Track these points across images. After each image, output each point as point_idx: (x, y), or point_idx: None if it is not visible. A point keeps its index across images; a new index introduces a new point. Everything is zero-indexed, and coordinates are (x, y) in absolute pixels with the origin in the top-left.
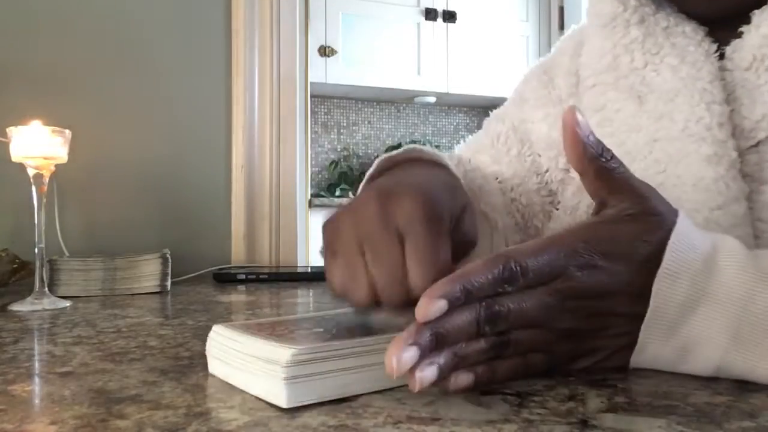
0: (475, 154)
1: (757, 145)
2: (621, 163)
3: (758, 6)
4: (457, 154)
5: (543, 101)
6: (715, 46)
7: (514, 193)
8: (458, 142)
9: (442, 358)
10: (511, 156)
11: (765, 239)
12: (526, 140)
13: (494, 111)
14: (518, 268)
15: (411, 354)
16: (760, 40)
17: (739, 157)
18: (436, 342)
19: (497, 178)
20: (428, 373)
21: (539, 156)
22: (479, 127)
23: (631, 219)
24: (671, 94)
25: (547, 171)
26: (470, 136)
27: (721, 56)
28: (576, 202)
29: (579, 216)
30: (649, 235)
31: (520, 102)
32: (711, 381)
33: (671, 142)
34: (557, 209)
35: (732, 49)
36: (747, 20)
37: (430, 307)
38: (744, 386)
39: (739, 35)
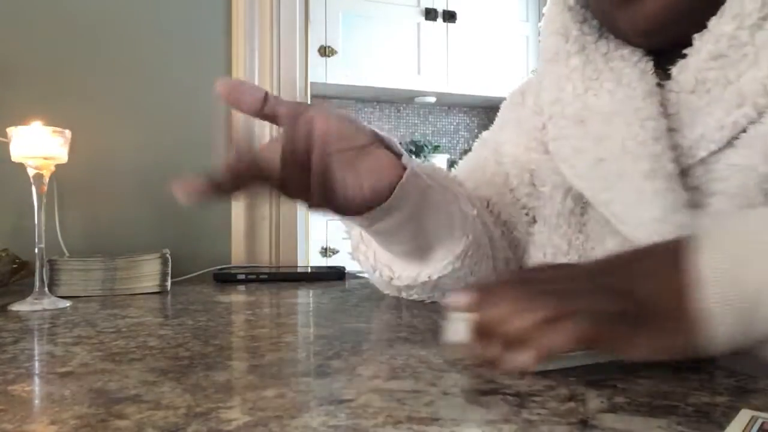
0: (467, 180)
1: (703, 160)
2: None
3: (697, 29)
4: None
5: (513, 123)
6: (651, 65)
7: (494, 208)
8: (458, 142)
9: None
10: (488, 177)
11: None
12: (501, 162)
13: (483, 133)
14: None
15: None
16: (701, 64)
17: (687, 170)
18: None
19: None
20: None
21: (508, 174)
22: (479, 127)
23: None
24: (609, 115)
25: (516, 187)
26: (465, 157)
27: (668, 76)
28: (548, 213)
29: (555, 225)
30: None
31: (501, 125)
32: (711, 381)
33: (614, 161)
34: (535, 221)
35: (677, 70)
36: (689, 42)
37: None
38: (744, 386)
39: (684, 56)
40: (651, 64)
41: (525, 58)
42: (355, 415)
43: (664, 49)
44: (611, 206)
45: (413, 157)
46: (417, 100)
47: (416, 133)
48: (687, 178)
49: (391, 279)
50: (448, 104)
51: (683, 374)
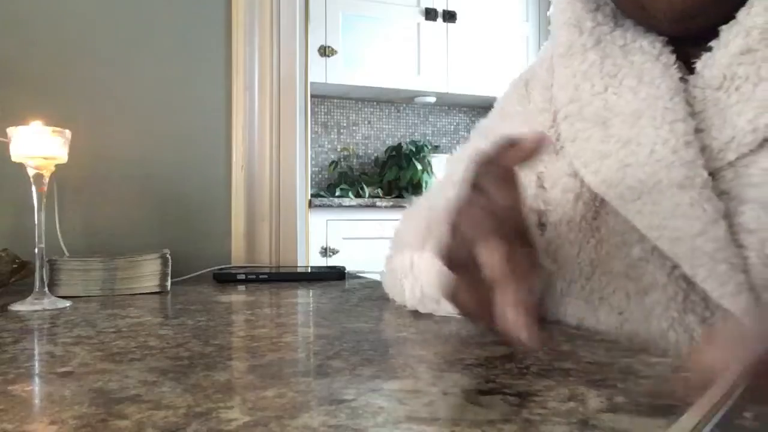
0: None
1: (732, 163)
2: None
3: (724, 20)
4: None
5: (520, 118)
6: (674, 58)
7: None
8: (458, 142)
9: None
10: None
11: (749, 268)
12: None
13: (480, 123)
14: None
15: None
16: (729, 59)
17: (715, 173)
18: None
19: None
20: None
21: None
22: None
23: None
24: (634, 116)
25: (523, 188)
26: (458, 148)
27: (689, 67)
28: (557, 219)
29: (566, 230)
30: None
31: (503, 117)
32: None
33: (641, 168)
34: (542, 224)
35: (702, 64)
36: (713, 34)
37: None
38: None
39: (708, 49)
40: (673, 57)
41: (525, 58)
42: (355, 415)
43: (685, 41)
44: (643, 217)
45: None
46: (417, 100)
47: (416, 133)
48: (715, 182)
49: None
50: (448, 104)
51: (683, 374)
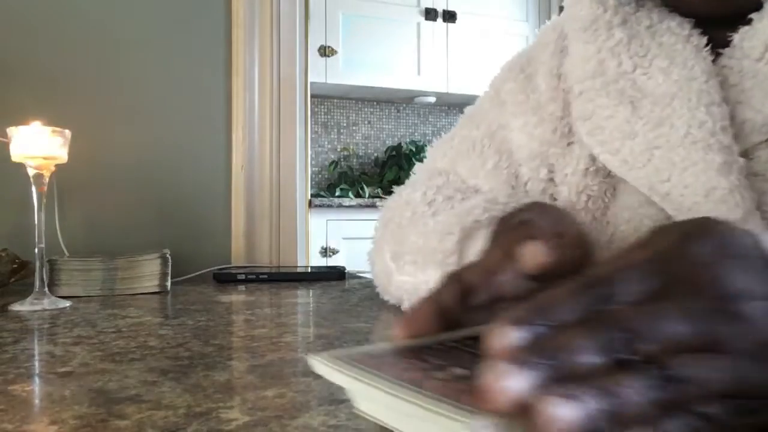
0: (454, 164)
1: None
2: None
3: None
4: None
5: (522, 107)
6: (704, 40)
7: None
8: None
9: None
10: (487, 169)
11: None
12: (504, 150)
13: (468, 109)
14: None
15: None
16: None
17: (749, 152)
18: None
19: (478, 192)
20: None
21: (519, 166)
22: None
23: None
24: (667, 98)
25: (527, 182)
26: (444, 136)
27: (717, 46)
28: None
29: None
30: None
31: (498, 103)
32: None
33: (673, 150)
34: None
35: (740, 37)
36: (741, 15)
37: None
38: None
39: (748, 22)
40: (704, 39)
41: None
42: (355, 415)
43: (710, 22)
44: (672, 199)
45: (415, 159)
46: (417, 100)
47: (416, 133)
48: (750, 163)
49: None
50: (448, 104)
51: None
